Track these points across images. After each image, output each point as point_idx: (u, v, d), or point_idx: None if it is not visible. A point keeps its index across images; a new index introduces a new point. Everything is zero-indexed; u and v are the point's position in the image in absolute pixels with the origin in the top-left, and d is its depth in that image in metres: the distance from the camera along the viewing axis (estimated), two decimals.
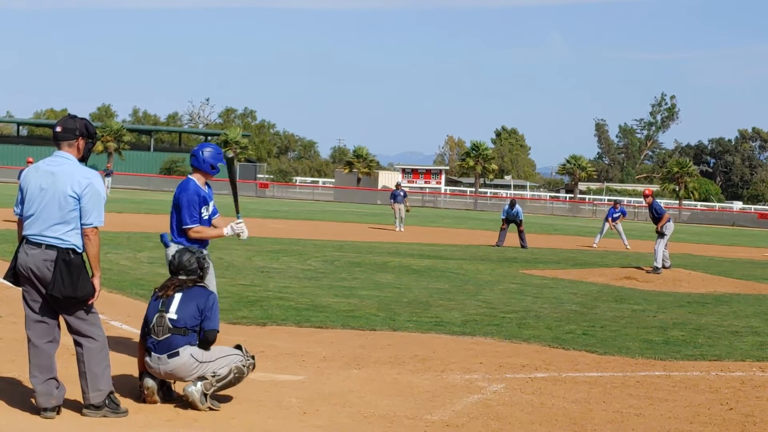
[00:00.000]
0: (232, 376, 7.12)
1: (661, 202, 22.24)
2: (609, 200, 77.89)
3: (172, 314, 7.13)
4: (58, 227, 6.62)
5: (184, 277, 7.32)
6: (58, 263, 6.58)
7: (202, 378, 7.07)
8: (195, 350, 7.11)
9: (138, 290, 13.38)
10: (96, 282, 6.76)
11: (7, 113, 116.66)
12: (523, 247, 29.01)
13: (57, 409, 6.73)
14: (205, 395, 7.00)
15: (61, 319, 6.85)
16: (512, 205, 30.49)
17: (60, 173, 6.67)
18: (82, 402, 6.81)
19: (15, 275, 6.78)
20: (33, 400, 6.85)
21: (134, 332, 10.05)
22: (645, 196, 21.95)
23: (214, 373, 7.07)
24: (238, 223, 8.57)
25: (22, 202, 6.79)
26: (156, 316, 7.17)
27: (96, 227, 6.69)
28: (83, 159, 6.84)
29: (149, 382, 7.16)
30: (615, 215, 32.91)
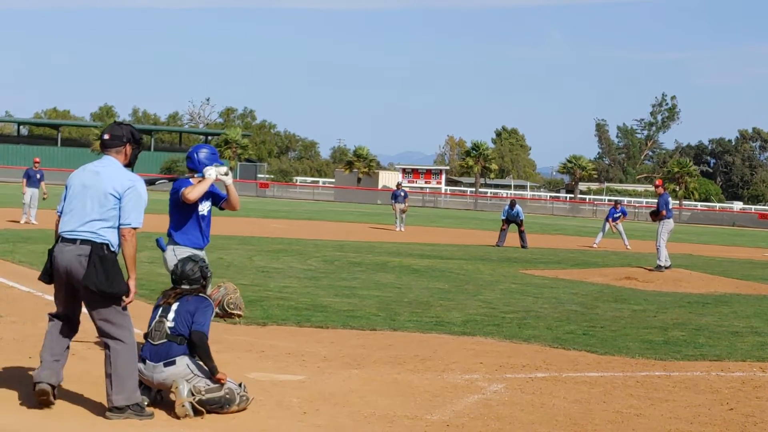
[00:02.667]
0: (222, 393, 6.97)
1: None
2: (609, 200, 77.86)
3: (170, 322, 7.11)
4: (95, 223, 6.69)
5: (186, 287, 7.29)
6: (92, 257, 6.63)
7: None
8: (191, 362, 7.07)
9: (138, 290, 13.32)
10: (131, 283, 6.81)
11: (6, 113, 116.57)
12: (523, 247, 29.01)
13: (52, 390, 6.80)
14: (192, 394, 6.91)
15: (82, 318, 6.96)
16: (512, 205, 30.50)
17: (105, 173, 6.80)
18: (106, 405, 6.82)
19: (50, 274, 6.83)
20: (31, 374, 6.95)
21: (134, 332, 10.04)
22: (656, 186, 21.90)
23: (207, 384, 7.01)
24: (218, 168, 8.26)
25: (64, 198, 6.90)
26: (155, 321, 7.16)
27: (134, 228, 6.75)
28: (129, 165, 6.98)
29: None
30: (615, 215, 32.90)
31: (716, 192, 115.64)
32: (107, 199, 6.69)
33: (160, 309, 7.22)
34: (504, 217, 30.38)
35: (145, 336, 7.18)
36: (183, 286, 7.28)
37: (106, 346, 6.82)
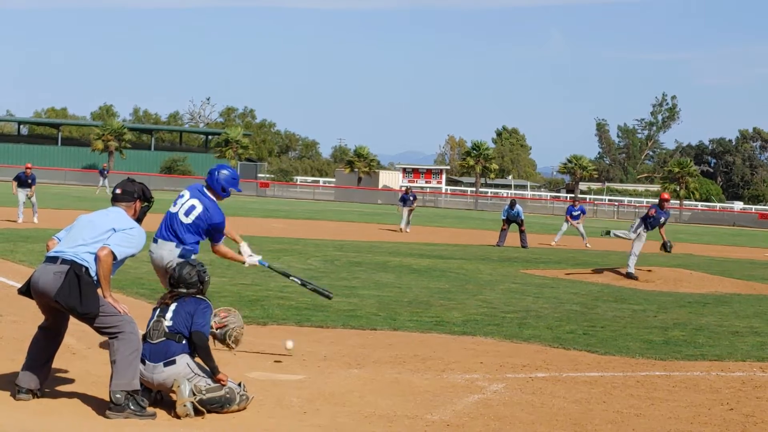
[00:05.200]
0: (223, 392, 6.99)
1: None
2: (610, 200, 77.78)
3: (168, 321, 7.14)
4: (80, 247, 6.82)
5: (184, 290, 7.31)
6: (69, 275, 6.71)
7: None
8: (191, 361, 7.08)
9: (138, 289, 13.37)
10: (110, 300, 6.84)
11: (7, 112, 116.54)
12: (523, 247, 29.01)
13: (32, 393, 6.98)
14: (193, 394, 6.92)
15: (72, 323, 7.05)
16: (512, 205, 30.47)
17: (114, 215, 7.04)
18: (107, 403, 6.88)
19: (28, 290, 6.96)
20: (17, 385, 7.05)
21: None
22: (663, 199, 20.20)
23: (207, 383, 7.02)
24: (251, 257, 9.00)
25: (68, 229, 7.08)
26: (153, 321, 7.19)
27: (112, 252, 6.80)
28: (138, 221, 7.18)
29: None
30: (575, 213, 32.23)
31: (717, 192, 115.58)
32: (105, 232, 6.86)
33: (158, 310, 7.25)
34: (504, 217, 30.35)
35: (144, 336, 7.18)
36: (180, 290, 7.30)
37: (113, 337, 6.89)
